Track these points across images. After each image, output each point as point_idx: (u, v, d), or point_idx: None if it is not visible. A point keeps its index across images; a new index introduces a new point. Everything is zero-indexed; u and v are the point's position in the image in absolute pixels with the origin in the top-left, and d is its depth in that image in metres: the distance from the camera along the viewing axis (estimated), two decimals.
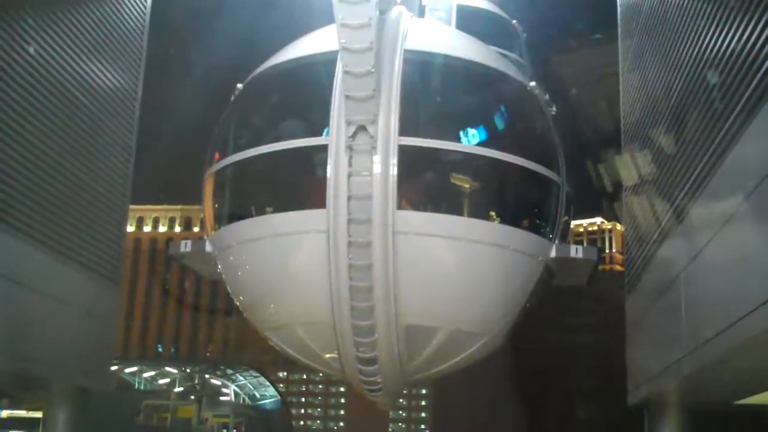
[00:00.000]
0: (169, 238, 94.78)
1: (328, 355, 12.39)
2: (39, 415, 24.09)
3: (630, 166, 18.83)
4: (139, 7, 21.05)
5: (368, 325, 11.34)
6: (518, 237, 11.82)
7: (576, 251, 12.45)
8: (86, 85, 18.15)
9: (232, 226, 12.31)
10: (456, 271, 11.72)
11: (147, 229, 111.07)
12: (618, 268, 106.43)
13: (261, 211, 11.94)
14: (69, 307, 17.10)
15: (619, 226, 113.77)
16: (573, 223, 14.02)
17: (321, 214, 10.94)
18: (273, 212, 11.78)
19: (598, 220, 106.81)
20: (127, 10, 20.37)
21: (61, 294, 16.76)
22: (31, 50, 15.84)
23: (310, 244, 11.32)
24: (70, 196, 17.46)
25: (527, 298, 12.47)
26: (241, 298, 13.23)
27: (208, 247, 12.91)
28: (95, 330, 18.54)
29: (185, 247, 13.39)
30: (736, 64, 10.72)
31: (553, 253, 12.25)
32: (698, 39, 12.68)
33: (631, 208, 18.87)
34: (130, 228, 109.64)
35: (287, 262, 11.76)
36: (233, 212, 12.52)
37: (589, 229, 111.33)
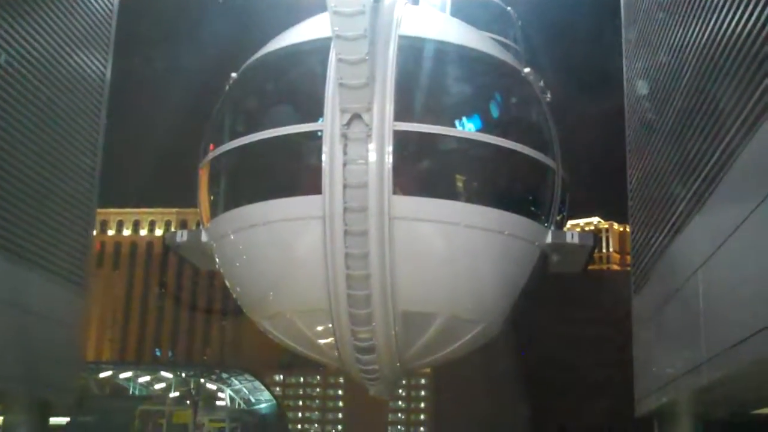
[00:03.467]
0: None
1: (324, 342, 12.35)
2: None
3: (636, 161, 18.01)
4: None
5: (365, 313, 11.33)
6: (514, 222, 11.81)
7: (572, 237, 12.46)
8: (51, 77, 16.88)
9: (227, 215, 12.26)
10: (452, 257, 11.70)
11: (143, 232, 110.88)
12: (615, 267, 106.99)
13: (256, 199, 11.87)
14: (28, 314, 15.68)
15: (616, 226, 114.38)
16: (570, 222, 13.90)
17: (316, 200, 10.93)
18: (268, 199, 11.71)
19: (595, 219, 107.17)
20: None
21: (19, 300, 15.41)
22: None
23: (305, 231, 11.30)
24: (31, 194, 16.18)
25: (524, 285, 12.45)
26: (237, 287, 13.18)
27: (204, 237, 12.86)
28: (59, 339, 17.14)
29: (182, 236, 13.37)
30: (753, 48, 10.10)
31: (549, 239, 12.25)
32: (709, 22, 12.01)
33: (638, 202, 17.73)
34: (127, 231, 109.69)
35: (283, 249, 11.74)
36: (228, 201, 12.47)
37: (586, 228, 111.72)
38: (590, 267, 14.20)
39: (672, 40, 14.37)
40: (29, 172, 16.11)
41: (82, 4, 18.23)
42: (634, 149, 18.38)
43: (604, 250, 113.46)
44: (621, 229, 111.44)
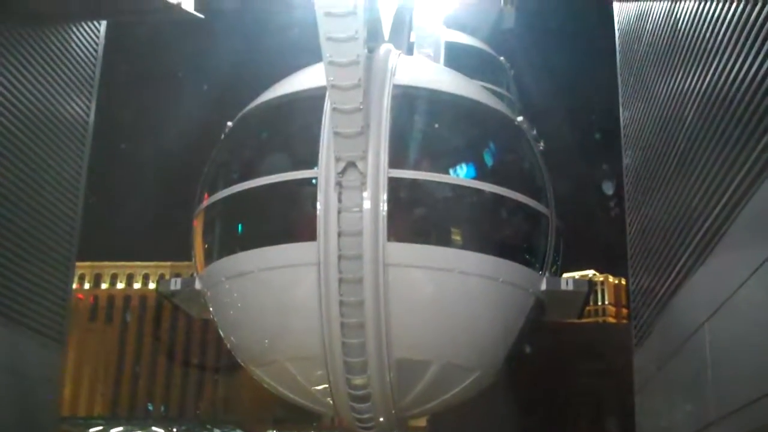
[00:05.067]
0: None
1: (318, 390, 12.22)
2: None
3: (635, 211, 17.43)
4: (91, 39, 18.64)
5: (360, 361, 11.25)
6: (508, 269, 11.80)
7: (567, 283, 12.44)
8: (31, 124, 16.20)
9: (221, 262, 12.22)
10: (447, 304, 11.66)
11: (137, 285, 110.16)
12: (611, 320, 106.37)
13: (250, 246, 11.86)
14: (4, 371, 14.94)
15: (611, 278, 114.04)
16: (565, 275, 13.84)
17: (311, 248, 10.93)
18: (262, 246, 11.69)
19: (590, 272, 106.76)
20: (78, 43, 18.08)
21: None
22: None
23: (300, 278, 11.29)
24: (7, 246, 15.44)
25: (519, 332, 12.39)
26: (230, 336, 13.08)
27: (198, 285, 12.81)
28: (36, 396, 16.23)
29: (175, 284, 13.32)
30: (756, 97, 9.75)
31: (543, 286, 12.23)
32: (710, 70, 11.69)
33: (637, 253, 17.04)
34: (120, 285, 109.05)
35: (277, 297, 11.67)
36: (222, 248, 12.44)
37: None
38: (586, 320, 13.90)
39: (671, 86, 14.08)
40: (5, 223, 15.48)
41: (65, 50, 17.67)
42: (632, 199, 17.86)
43: (599, 303, 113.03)
44: (616, 281, 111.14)
